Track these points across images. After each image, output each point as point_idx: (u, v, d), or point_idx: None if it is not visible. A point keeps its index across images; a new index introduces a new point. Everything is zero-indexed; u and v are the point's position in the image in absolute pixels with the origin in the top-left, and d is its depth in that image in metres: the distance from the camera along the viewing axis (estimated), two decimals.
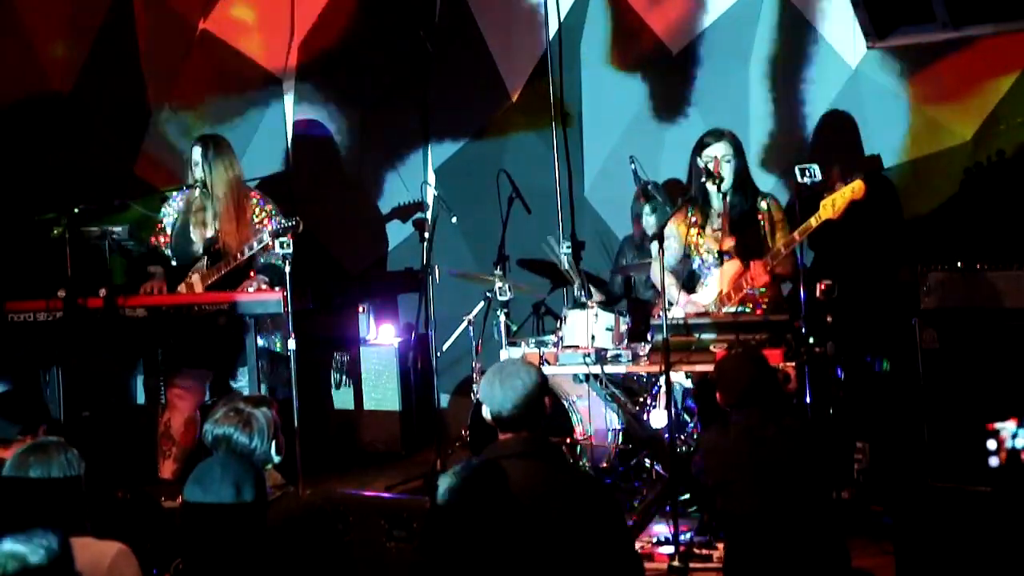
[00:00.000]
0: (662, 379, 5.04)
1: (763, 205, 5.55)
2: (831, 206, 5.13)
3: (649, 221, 6.41)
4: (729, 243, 5.50)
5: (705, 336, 5.22)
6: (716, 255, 5.54)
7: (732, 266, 5.47)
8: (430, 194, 7.33)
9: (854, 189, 5.12)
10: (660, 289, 5.05)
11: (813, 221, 5.16)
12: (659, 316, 5.08)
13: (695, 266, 5.64)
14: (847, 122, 6.43)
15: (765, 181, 6.22)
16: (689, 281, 5.70)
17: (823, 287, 5.17)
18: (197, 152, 6.09)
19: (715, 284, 5.52)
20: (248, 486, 2.91)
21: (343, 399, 7.25)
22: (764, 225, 5.52)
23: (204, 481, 2.92)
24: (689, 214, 5.58)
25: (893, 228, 6.22)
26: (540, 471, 3.28)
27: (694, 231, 5.57)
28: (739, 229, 5.51)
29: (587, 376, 5.66)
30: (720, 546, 4.57)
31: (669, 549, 4.69)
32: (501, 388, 3.40)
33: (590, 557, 3.19)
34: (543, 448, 3.39)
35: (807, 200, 5.34)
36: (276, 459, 3.60)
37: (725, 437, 4.12)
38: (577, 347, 5.68)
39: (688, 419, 5.67)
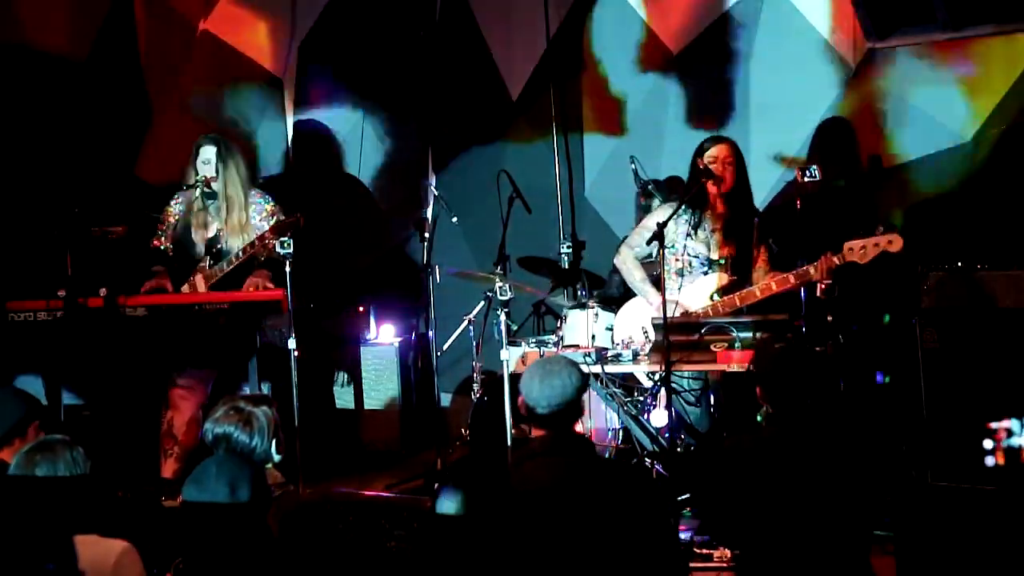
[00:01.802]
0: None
1: (755, 222, 5.55)
2: (860, 252, 5.08)
3: None
4: (724, 251, 5.50)
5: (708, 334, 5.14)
6: (706, 260, 5.54)
7: (722, 279, 5.49)
8: (430, 194, 7.34)
9: (891, 242, 5.07)
10: (657, 286, 5.05)
11: (836, 260, 5.11)
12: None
13: (679, 267, 5.61)
14: (847, 123, 6.44)
15: (765, 181, 6.23)
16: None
17: (823, 287, 5.16)
18: (209, 151, 6.08)
19: (700, 289, 5.51)
20: (244, 485, 2.91)
21: (344, 398, 7.25)
22: (754, 240, 5.51)
23: (201, 480, 2.93)
24: (680, 214, 5.51)
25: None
26: (563, 467, 3.28)
27: (680, 231, 5.55)
28: (733, 238, 5.51)
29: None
30: (720, 546, 4.57)
31: None
32: (540, 385, 3.38)
33: (625, 540, 3.18)
34: (568, 444, 3.37)
35: (808, 200, 5.34)
36: (276, 458, 3.61)
37: (757, 440, 3.80)
38: (577, 346, 5.69)
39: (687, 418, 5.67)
